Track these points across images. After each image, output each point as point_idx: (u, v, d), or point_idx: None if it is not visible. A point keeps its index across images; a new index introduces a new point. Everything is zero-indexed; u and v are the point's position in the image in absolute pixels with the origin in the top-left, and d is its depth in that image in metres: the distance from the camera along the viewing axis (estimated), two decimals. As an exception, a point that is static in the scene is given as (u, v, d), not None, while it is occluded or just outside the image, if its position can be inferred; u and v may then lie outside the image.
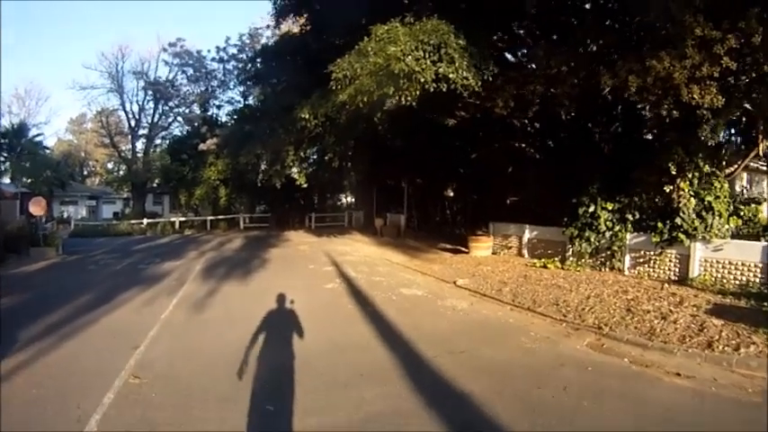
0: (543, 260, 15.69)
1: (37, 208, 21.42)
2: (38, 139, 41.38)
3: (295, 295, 11.57)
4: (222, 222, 38.06)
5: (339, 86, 13.06)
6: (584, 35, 13.70)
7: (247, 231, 35.32)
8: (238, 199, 42.17)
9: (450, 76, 12.23)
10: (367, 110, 14.78)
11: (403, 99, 12.81)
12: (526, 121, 19.33)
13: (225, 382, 6.58)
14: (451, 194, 31.17)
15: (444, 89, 12.45)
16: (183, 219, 39.38)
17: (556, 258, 15.66)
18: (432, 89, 12.28)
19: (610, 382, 6.49)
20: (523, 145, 21.35)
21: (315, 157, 24.40)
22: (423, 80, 11.98)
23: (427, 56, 12.07)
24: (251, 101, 40.07)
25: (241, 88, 42.55)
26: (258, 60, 24.31)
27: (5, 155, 36.82)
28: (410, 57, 11.82)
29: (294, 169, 21.38)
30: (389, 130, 20.86)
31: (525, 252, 17.75)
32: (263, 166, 37.94)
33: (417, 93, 12.47)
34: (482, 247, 18.62)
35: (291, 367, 7.02)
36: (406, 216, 28.53)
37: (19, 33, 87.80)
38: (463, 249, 19.37)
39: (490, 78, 13.48)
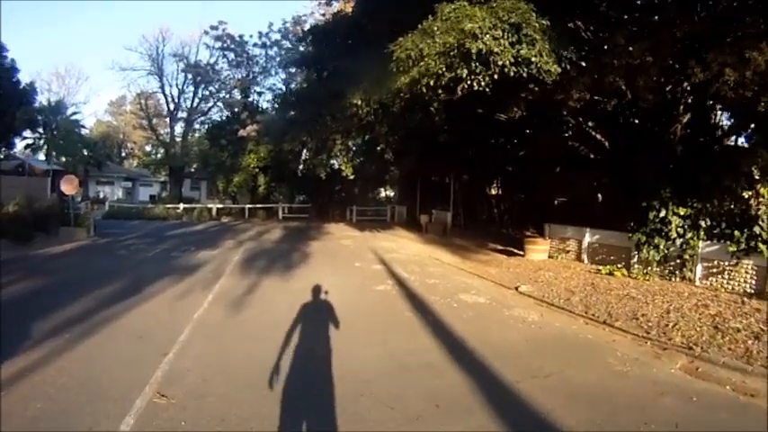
0: (608, 267, 14.36)
1: (69, 186, 20.66)
2: (74, 117, 41.24)
3: (343, 297, 10.57)
4: (260, 211, 37.14)
5: (401, 68, 11.73)
6: (669, 22, 12.15)
7: (286, 222, 34.41)
8: (278, 188, 41.48)
9: (533, 59, 10.89)
10: (427, 97, 13.74)
11: (475, 84, 11.53)
12: (581, 119, 18.02)
13: (268, 403, 5.38)
14: (498, 193, 30.44)
15: (523, 74, 11.20)
16: (220, 205, 38.69)
17: (619, 265, 14.43)
18: (511, 73, 11.07)
19: (722, 417, 5.55)
20: (576, 144, 20.01)
21: (363, 147, 23.00)
22: (501, 63, 10.74)
23: (506, 36, 10.80)
24: (294, 87, 39.08)
25: (283, 75, 41.82)
26: (307, 40, 23.01)
27: (41, 131, 36.19)
28: (488, 35, 10.57)
29: (340, 159, 20.06)
30: (445, 122, 19.38)
31: (585, 257, 16.52)
32: (304, 156, 37.21)
33: (492, 77, 11.23)
34: (538, 250, 17.41)
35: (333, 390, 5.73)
36: (452, 213, 27.32)
37: (59, 12, 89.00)
38: (516, 251, 18.21)
39: (568, 67, 12.13)
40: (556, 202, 25.77)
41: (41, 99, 42.24)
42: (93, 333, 7.72)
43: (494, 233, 24.40)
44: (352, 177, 21.15)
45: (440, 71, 11.20)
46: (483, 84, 11.39)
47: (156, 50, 48.41)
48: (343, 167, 20.03)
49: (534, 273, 14.38)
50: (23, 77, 45.36)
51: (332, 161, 21.15)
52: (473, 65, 11.00)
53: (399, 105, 16.00)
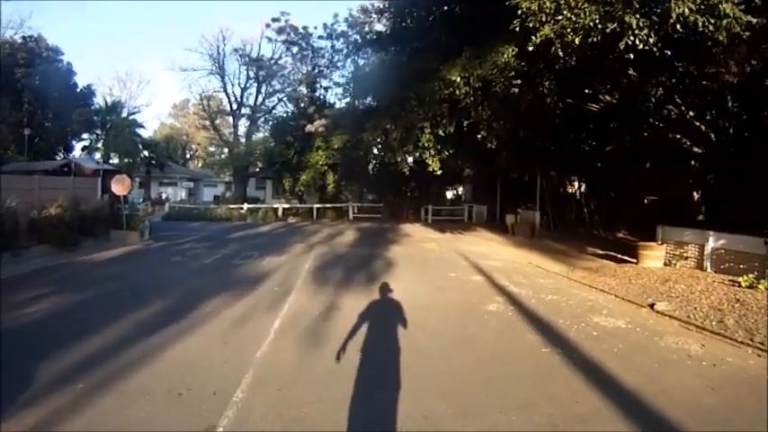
0: (746, 278, 11.68)
1: (120, 187, 19.18)
2: (132, 117, 40.96)
3: (450, 322, 8.63)
4: (329, 211, 35.35)
5: (530, 23, 9.19)
6: None
7: (357, 222, 32.21)
8: (347, 186, 39.60)
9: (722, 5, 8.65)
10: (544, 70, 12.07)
11: (638, 41, 9.37)
12: (683, 108, 16.16)
13: None
14: (581, 191, 28.88)
15: (704, 26, 9.05)
16: (286, 205, 36.89)
17: (750, 275, 11.86)
18: (679, 27, 8.97)
19: None
20: (677, 136, 17.40)
21: (455, 137, 20.23)
22: (679, 10, 8.56)
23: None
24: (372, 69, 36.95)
25: (352, 68, 39.59)
26: (388, 12, 20.53)
27: (98, 132, 35.63)
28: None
29: (426, 152, 17.53)
30: (557, 104, 16.68)
31: (707, 265, 14.13)
32: (376, 151, 35.09)
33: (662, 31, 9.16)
34: (653, 256, 15.03)
35: None
36: (539, 213, 25.23)
37: (119, 17, 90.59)
38: (623, 257, 16.09)
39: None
40: (645, 200, 24.27)
41: (99, 101, 43.16)
42: (116, 382, 5.50)
43: (585, 235, 22.73)
44: (439, 173, 18.45)
45: (591, 22, 8.61)
46: (650, 41, 9.29)
47: (217, 50, 47.56)
48: (429, 161, 17.41)
49: (661, 285, 12.05)
50: (84, 81, 46.13)
51: (407, 155, 18.49)
52: (632, 19, 8.97)
53: (503, 84, 13.60)
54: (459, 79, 12.64)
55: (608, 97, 17.02)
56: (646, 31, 9.00)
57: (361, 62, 33.29)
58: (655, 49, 9.43)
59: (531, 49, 10.20)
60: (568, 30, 9.18)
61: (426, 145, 16.74)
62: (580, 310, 9.68)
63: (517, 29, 9.83)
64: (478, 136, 15.88)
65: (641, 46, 9.23)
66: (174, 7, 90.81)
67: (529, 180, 30.36)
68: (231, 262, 14.55)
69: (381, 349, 6.85)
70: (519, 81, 13.93)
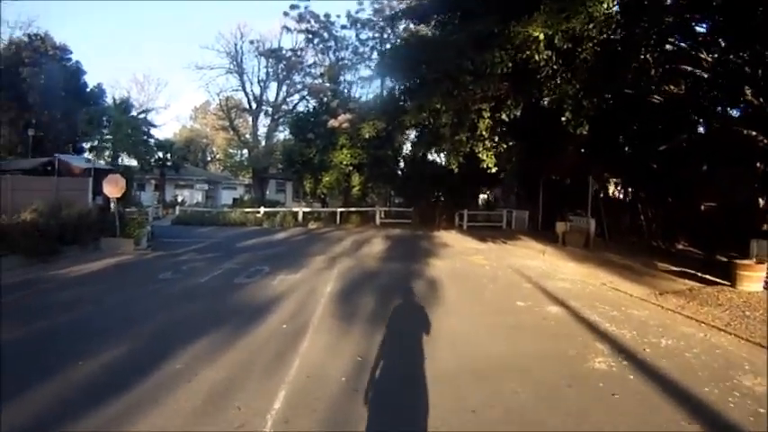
0: None
1: (112, 188, 16.57)
2: (142, 115, 38.66)
3: (558, 399, 5.58)
4: (354, 215, 32.42)
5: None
6: None
7: (386, 228, 28.98)
8: (374, 189, 36.49)
9: None
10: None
11: None
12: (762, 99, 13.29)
13: None
14: (630, 195, 26.46)
15: None
16: (306, 209, 34.04)
17: None
18: None
19: None
20: (753, 132, 14.29)
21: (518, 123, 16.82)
22: None
23: None
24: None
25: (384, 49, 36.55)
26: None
27: (105, 131, 33.32)
28: None
29: (480, 144, 14.36)
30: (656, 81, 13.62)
31: None
32: (406, 148, 31.96)
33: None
34: (752, 277, 12.41)
35: None
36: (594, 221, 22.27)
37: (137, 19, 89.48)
38: (705, 276, 13.42)
39: None
40: (702, 207, 22.35)
41: (108, 100, 41.30)
42: None
43: (642, 246, 20.54)
44: (494, 170, 15.14)
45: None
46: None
47: (235, 47, 45.30)
48: (483, 155, 14.20)
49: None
50: (96, 81, 44.65)
51: (475, 143, 15.16)
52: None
53: (590, 50, 10.81)
54: (542, 36, 9.54)
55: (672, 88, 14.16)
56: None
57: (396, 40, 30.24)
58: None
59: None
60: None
61: (483, 134, 13.60)
62: (716, 365, 6.86)
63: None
64: (563, 118, 12.61)
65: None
66: (190, 6, 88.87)
67: (572, 183, 28.15)
68: (233, 281, 11.58)
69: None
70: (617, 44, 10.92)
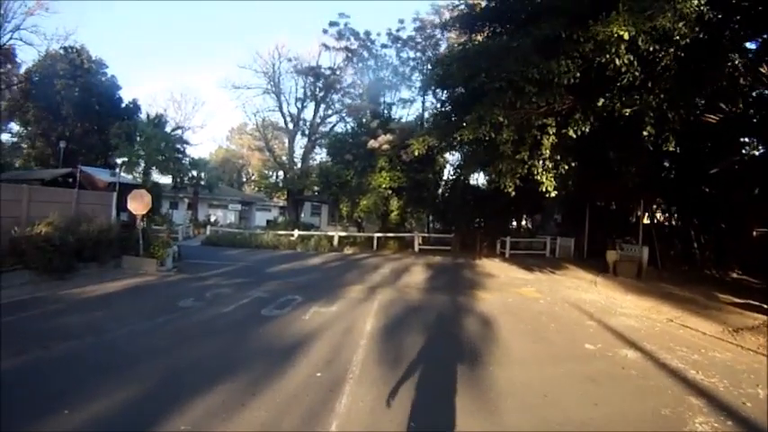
0: None
1: (137, 204, 15.74)
2: (176, 132, 38.88)
3: None
4: (392, 241, 31.02)
5: None
6: None
7: (425, 255, 27.44)
8: (413, 214, 35.23)
9: None
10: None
11: None
12: None
13: None
14: (685, 221, 24.66)
15: None
16: (342, 233, 32.78)
17: None
18: None
19: None
20: None
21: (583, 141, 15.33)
22: None
23: None
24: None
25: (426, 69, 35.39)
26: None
27: (136, 147, 33.02)
28: None
29: (540, 164, 12.93)
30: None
31: None
32: (448, 172, 30.64)
33: None
34: None
35: None
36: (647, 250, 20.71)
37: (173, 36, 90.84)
38: None
39: None
40: (754, 233, 21.85)
41: (143, 116, 41.14)
42: None
43: (696, 275, 19.00)
44: (553, 194, 13.60)
45: None
46: None
47: (272, 67, 44.49)
48: (542, 178, 12.75)
49: None
50: (130, 97, 44.78)
51: (535, 165, 13.68)
52: None
53: (672, 54, 9.72)
54: (627, 36, 8.19)
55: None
56: None
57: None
58: None
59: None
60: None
61: (545, 153, 12.18)
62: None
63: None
64: (644, 132, 11.16)
65: None
66: (229, 25, 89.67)
67: (617, 209, 28.03)
68: (260, 312, 10.25)
69: None
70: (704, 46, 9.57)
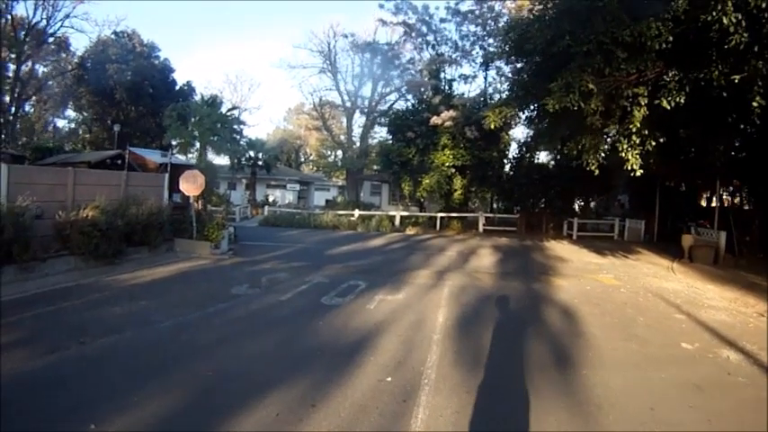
0: None
1: (190, 185, 15.13)
2: (231, 113, 38.46)
3: None
4: (455, 221, 29.85)
5: None
6: None
7: (490, 237, 26.23)
8: (477, 193, 34.14)
9: None
10: None
11: None
12: None
13: None
14: (761, 203, 22.69)
15: None
16: (404, 213, 31.91)
17: None
18: None
19: None
20: None
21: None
22: None
23: None
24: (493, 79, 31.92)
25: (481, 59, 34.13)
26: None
27: (191, 128, 32.85)
28: None
29: (624, 141, 11.58)
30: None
31: None
32: (514, 149, 29.26)
33: None
34: None
35: None
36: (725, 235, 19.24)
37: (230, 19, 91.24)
38: None
39: None
40: None
41: (197, 98, 40.68)
42: None
43: None
44: (639, 173, 12.20)
45: None
46: None
47: (328, 46, 43.46)
48: (627, 155, 11.43)
49: None
50: (185, 79, 44.80)
51: (623, 143, 12.29)
52: None
53: None
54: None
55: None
56: None
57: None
58: None
59: None
60: None
61: (634, 126, 10.85)
62: None
63: None
64: (754, 103, 9.69)
65: None
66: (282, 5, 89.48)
67: (687, 190, 27.70)
68: (320, 301, 9.37)
69: None
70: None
